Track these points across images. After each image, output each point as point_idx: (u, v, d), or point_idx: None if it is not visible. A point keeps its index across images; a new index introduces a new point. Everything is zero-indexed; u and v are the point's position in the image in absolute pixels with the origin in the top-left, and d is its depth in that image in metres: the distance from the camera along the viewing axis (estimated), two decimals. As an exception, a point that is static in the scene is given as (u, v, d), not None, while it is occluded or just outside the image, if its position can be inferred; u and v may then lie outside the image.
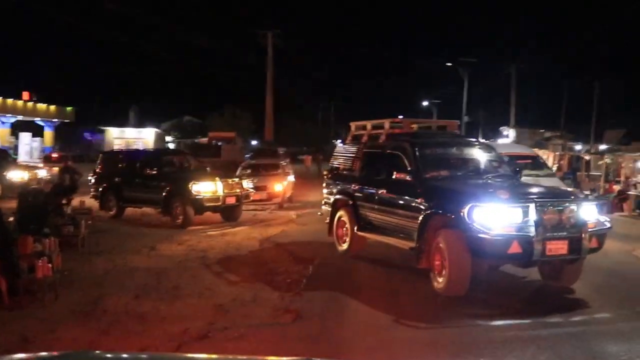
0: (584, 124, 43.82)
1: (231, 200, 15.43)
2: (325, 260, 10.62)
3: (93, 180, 17.59)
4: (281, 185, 19.37)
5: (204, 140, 43.90)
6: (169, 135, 71.95)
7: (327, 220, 11.43)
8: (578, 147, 40.12)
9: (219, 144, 31.35)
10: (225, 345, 6.08)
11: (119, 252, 11.19)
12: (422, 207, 8.52)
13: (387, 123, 11.22)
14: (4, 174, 21.17)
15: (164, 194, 15.24)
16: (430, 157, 9.49)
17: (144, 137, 65.95)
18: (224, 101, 73.41)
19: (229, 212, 15.92)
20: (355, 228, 10.35)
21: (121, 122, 69.52)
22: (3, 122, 48.09)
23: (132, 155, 18.03)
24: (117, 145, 65.08)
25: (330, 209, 11.33)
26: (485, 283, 8.47)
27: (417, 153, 9.29)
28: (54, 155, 32.39)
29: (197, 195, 14.76)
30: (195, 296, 8.07)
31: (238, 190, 15.76)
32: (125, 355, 2.67)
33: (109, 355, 2.58)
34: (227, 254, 11.24)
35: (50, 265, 7.83)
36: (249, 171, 19.86)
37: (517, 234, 7.47)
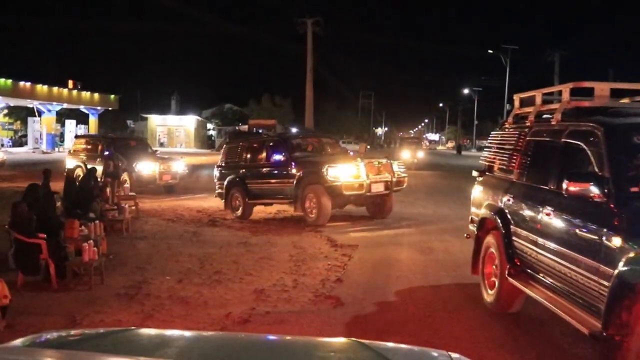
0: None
1: (378, 188, 12.35)
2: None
3: (217, 175, 14.88)
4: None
5: (245, 127, 44.20)
6: (210, 122, 72.75)
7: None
8: None
9: (260, 131, 31.54)
10: (267, 329, 6.12)
11: (162, 238, 11.36)
12: (619, 252, 4.39)
13: (565, 91, 6.22)
14: (134, 165, 18.51)
15: (294, 182, 12.70)
16: None
17: (185, 125, 66.92)
18: (265, 89, 73.97)
19: (376, 205, 13.22)
20: (507, 270, 6.32)
21: (163, 110, 70.67)
22: (49, 110, 49.24)
23: (257, 143, 14.67)
24: (160, 132, 66.20)
25: (476, 231, 7.37)
26: None
27: (615, 145, 4.99)
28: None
29: (334, 182, 11.99)
30: (236, 281, 8.16)
31: (388, 175, 12.58)
32: (170, 333, 2.70)
33: (154, 333, 2.62)
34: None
35: (96, 249, 8.00)
36: None
37: None
